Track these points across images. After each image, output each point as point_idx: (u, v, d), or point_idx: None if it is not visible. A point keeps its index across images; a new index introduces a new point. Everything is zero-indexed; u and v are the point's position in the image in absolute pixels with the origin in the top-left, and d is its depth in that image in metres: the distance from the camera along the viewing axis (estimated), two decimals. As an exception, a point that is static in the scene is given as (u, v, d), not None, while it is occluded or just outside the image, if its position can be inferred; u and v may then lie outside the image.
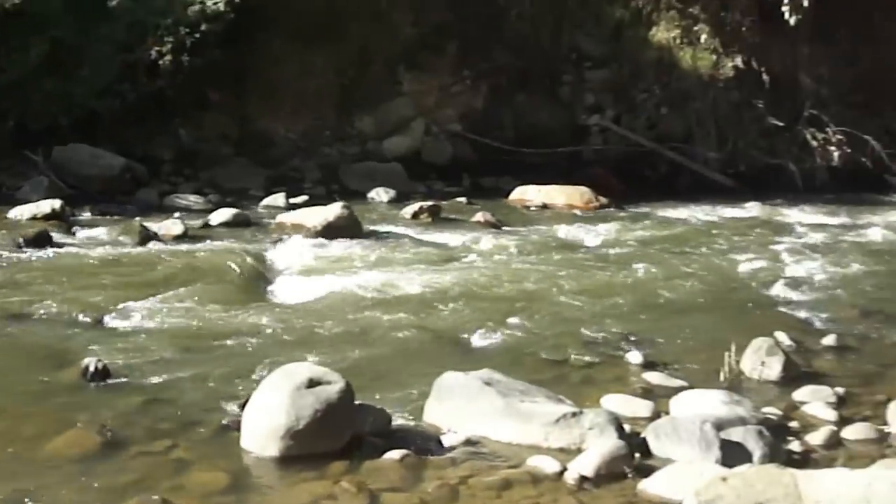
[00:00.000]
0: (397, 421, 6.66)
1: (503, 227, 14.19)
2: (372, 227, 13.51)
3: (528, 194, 16.42)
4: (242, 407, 6.48)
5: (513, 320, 9.37)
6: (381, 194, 16.04)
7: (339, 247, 12.33)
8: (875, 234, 14.86)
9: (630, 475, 5.93)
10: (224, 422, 6.60)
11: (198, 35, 16.78)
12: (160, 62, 16.63)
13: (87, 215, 13.53)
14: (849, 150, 19.04)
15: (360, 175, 17.04)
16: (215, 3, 17.02)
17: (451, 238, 13.25)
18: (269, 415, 6.16)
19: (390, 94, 18.54)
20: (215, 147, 17.48)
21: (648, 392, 7.58)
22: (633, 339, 8.97)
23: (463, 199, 16.02)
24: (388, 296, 10.16)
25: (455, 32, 18.64)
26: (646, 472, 5.94)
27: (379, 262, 11.62)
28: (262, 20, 17.77)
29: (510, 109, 18.93)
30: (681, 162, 18.86)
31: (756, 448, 6.25)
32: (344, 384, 6.34)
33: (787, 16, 18.76)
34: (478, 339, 8.84)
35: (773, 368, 8.06)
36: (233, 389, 7.21)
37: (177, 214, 13.67)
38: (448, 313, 9.59)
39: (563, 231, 14.07)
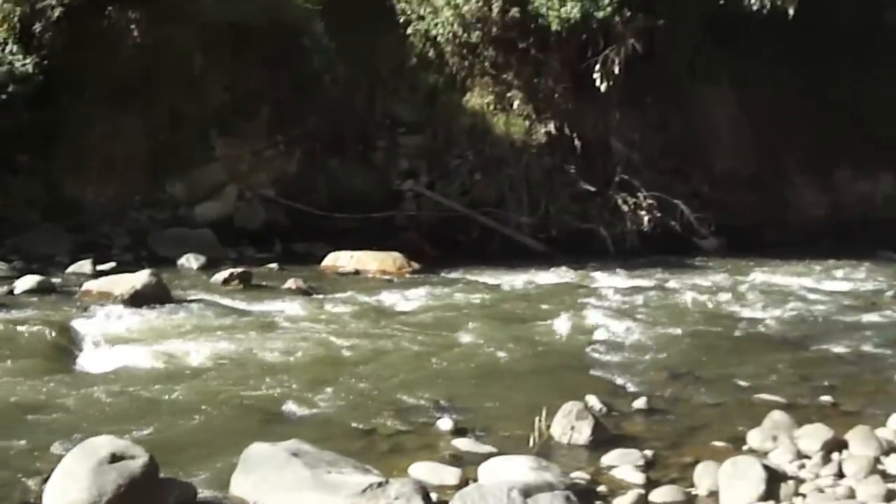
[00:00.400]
0: (203, 494, 6.69)
1: (315, 294, 14.34)
2: (181, 295, 13.54)
3: (341, 260, 16.69)
4: (44, 483, 6.45)
5: (324, 389, 9.50)
6: (191, 261, 16.06)
7: (148, 315, 12.30)
8: (684, 297, 15.58)
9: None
10: (25, 499, 6.55)
11: (5, 97, 16.59)
12: (-35, 124, 16.39)
13: None
14: (659, 215, 20.09)
15: (170, 241, 17.02)
16: (23, 65, 16.87)
17: (262, 305, 13.34)
18: (70, 491, 6.15)
19: (202, 158, 18.61)
20: (22, 213, 17.21)
21: (457, 459, 7.75)
22: (444, 405, 9.20)
23: (275, 266, 16.18)
24: (196, 365, 10.20)
25: (268, 97, 18.89)
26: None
27: (188, 331, 11.63)
28: (71, 82, 17.68)
29: (324, 174, 19.25)
30: (493, 227, 19.48)
31: (562, 513, 6.52)
32: (147, 458, 6.38)
33: (598, 82, 19.79)
34: (288, 409, 8.93)
35: (583, 432, 8.33)
36: (34, 465, 7.15)
37: (-22, 283, 13.44)
38: (258, 383, 9.66)
39: (376, 298, 14.30)
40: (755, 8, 21.64)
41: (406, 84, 20.21)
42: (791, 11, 21.46)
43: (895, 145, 24.02)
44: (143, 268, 14.01)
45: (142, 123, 18.27)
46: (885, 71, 24.38)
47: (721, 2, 22.28)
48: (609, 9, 19.58)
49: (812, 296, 16.18)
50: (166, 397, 9.13)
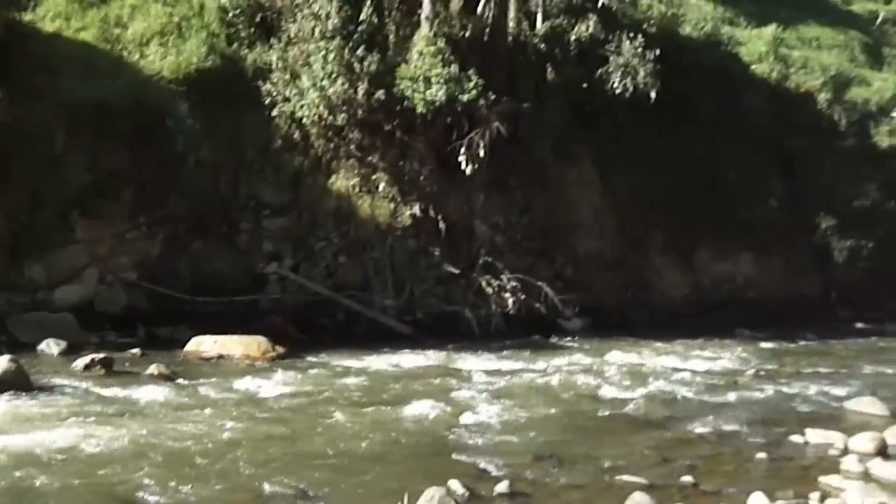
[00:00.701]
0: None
1: (178, 380, 14.53)
2: (42, 381, 13.64)
3: (205, 345, 16.91)
4: None
5: (184, 477, 9.74)
6: (51, 346, 16.12)
7: (7, 403, 12.42)
8: (549, 378, 16.23)
9: None
10: None
11: None
12: None
13: None
14: (523, 297, 20.85)
15: (30, 326, 16.99)
16: None
17: (124, 392, 13.50)
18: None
19: (62, 240, 18.51)
20: None
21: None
22: (307, 492, 9.54)
23: (137, 351, 16.32)
24: (55, 454, 10.33)
25: (131, 178, 18.99)
26: None
27: (48, 419, 11.75)
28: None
29: (187, 257, 19.37)
30: (359, 310, 19.91)
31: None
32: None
33: (463, 165, 20.51)
34: (146, 499, 9.16)
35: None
36: None
37: None
38: (116, 471, 9.87)
39: (240, 383, 14.55)
40: (618, 91, 22.91)
41: (271, 166, 20.48)
42: (653, 95, 22.80)
43: (754, 225, 25.55)
44: (2, 353, 13.98)
45: (0, 203, 18.18)
46: (743, 153, 25.99)
47: (585, 85, 23.56)
48: (474, 92, 20.36)
49: (674, 375, 17.03)
50: (20, 487, 9.27)
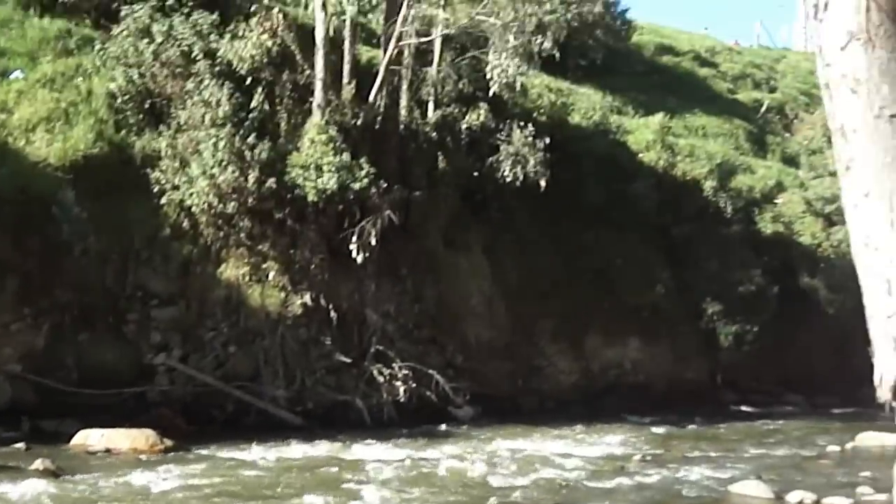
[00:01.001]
0: None
1: (64, 475, 14.63)
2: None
3: (92, 439, 16.99)
4: None
5: None
6: (-69, 441, 16.19)
7: None
8: (440, 466, 16.69)
9: None
10: None
11: None
12: None
13: None
14: (414, 385, 21.36)
15: None
16: None
17: (5, 487, 13.55)
18: None
19: (-60, 331, 18.42)
20: None
21: None
22: None
23: (21, 445, 16.37)
24: None
25: (16, 268, 19.07)
26: None
27: None
28: None
29: (74, 348, 19.47)
30: (249, 401, 20.18)
31: None
32: None
33: (354, 253, 21.02)
34: None
35: None
36: None
37: None
38: None
39: (126, 478, 14.69)
40: (509, 179, 23.83)
41: (159, 255, 20.72)
42: (543, 183, 23.76)
43: (642, 311, 26.53)
44: None
45: None
46: (631, 240, 27.05)
47: (476, 173, 24.44)
48: (366, 180, 21.04)
49: (563, 462, 17.64)
50: None
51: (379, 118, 22.92)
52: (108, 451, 16.79)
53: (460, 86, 25.16)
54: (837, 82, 3.14)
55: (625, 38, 36.38)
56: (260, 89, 21.78)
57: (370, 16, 25.66)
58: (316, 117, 22.09)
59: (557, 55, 25.39)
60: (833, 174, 32.18)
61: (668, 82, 36.75)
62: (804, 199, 31.60)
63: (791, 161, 35.01)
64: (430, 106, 24.94)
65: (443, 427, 20.95)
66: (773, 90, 40.30)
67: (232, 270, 21.18)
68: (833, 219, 30.61)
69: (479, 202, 24.86)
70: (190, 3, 22.63)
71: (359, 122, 22.51)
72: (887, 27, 3.12)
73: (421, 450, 18.40)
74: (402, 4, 22.14)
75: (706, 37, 44.66)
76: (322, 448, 18.16)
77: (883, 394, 2.90)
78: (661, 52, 39.50)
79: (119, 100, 21.72)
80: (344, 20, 22.24)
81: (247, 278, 21.21)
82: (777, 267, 29.02)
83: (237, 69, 21.77)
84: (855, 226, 3.08)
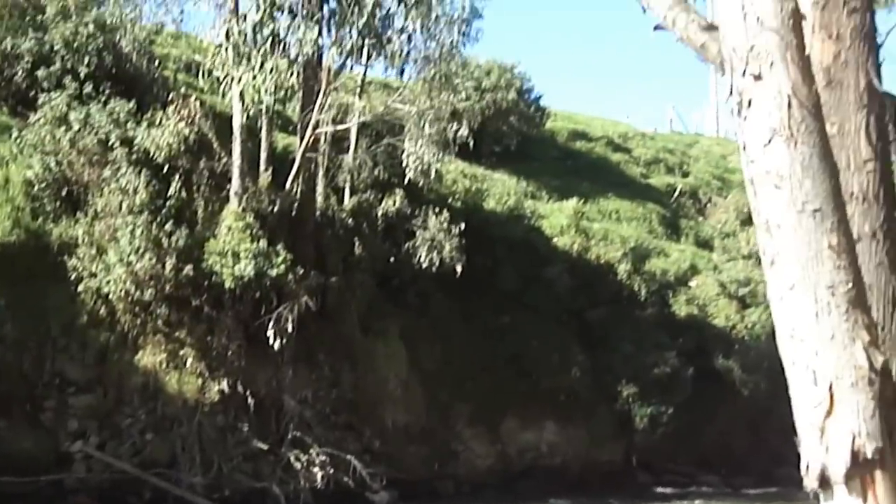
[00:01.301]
0: None
1: None
2: None
3: (9, 527, 17.44)
4: None
5: None
6: None
7: None
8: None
9: None
10: None
11: None
12: None
13: None
14: (332, 470, 21.87)
15: None
16: None
17: None
18: None
19: None
20: None
21: None
22: None
23: (-64, 535, 16.82)
24: None
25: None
26: None
27: None
28: None
29: (-11, 438, 19.63)
30: (166, 488, 20.52)
31: None
32: None
33: (272, 340, 21.64)
34: None
35: None
36: None
37: None
38: None
39: None
40: (425, 265, 24.72)
41: (77, 342, 21.13)
42: (459, 268, 24.69)
43: (558, 394, 27.33)
44: None
45: None
46: (547, 324, 27.96)
47: (392, 259, 25.29)
48: (282, 267, 21.76)
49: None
50: None
51: (295, 205, 23.64)
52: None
53: (376, 172, 26.07)
54: (761, 178, 3.28)
55: (539, 125, 37.55)
56: (177, 177, 22.45)
57: (287, 104, 26.46)
58: (233, 204, 22.78)
59: (472, 142, 26.50)
60: (746, 257, 33.66)
61: (582, 167, 38.05)
62: (718, 281, 32.72)
63: (705, 244, 36.28)
64: (347, 192, 25.82)
65: (361, 512, 21.48)
66: (686, 174, 41.66)
67: (149, 357, 21.62)
68: (747, 301, 31.85)
69: (396, 287, 25.63)
70: (107, 92, 23.41)
71: (275, 209, 23.21)
72: (808, 123, 3.28)
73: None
74: (318, 93, 22.93)
75: (619, 122, 45.97)
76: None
77: (809, 482, 3.05)
78: (575, 137, 40.80)
79: (36, 187, 22.28)
80: (261, 109, 23.02)
81: (164, 365, 21.66)
82: (692, 349, 29.93)
83: (154, 157, 22.44)
84: (780, 318, 3.20)
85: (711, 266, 33.96)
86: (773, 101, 3.31)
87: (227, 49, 21.56)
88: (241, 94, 22.68)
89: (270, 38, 21.37)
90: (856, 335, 3.12)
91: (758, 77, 3.40)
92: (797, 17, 3.54)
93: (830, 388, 3.05)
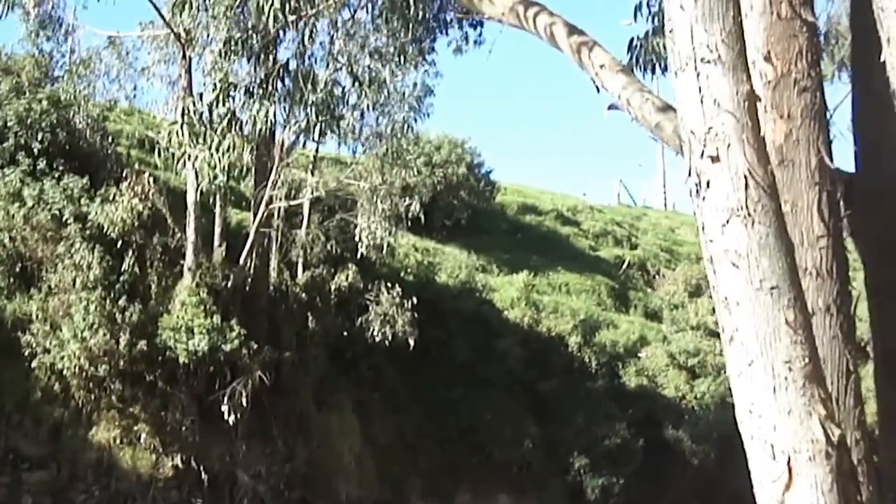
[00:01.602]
0: None
1: None
2: None
3: None
4: None
5: None
6: None
7: None
8: None
9: None
10: None
11: None
12: None
13: None
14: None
15: None
16: None
17: None
18: None
19: None
20: None
21: None
22: None
23: None
24: None
25: None
26: None
27: None
28: None
29: (-60, 515, 19.59)
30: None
31: None
32: None
33: (226, 415, 21.73)
34: None
35: None
36: None
37: None
38: None
39: None
40: (378, 339, 25.11)
41: (30, 418, 21.07)
42: (411, 342, 25.10)
43: (511, 466, 27.69)
44: None
45: None
46: (499, 396, 28.38)
47: (345, 333, 25.67)
48: (236, 342, 21.88)
49: None
50: None
51: (249, 280, 23.79)
52: None
53: (329, 247, 26.39)
54: (720, 257, 3.34)
55: (489, 199, 38.20)
56: (131, 252, 22.55)
57: (242, 181, 26.87)
58: (187, 280, 22.95)
59: (423, 216, 27.03)
60: (694, 328, 34.34)
61: (532, 240, 38.63)
62: (667, 352, 33.29)
63: (653, 316, 36.87)
64: (300, 267, 26.13)
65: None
66: (634, 247, 42.42)
67: (103, 433, 21.56)
68: (696, 371, 32.46)
69: (349, 361, 25.93)
70: (61, 168, 23.65)
71: (229, 284, 23.33)
72: (765, 203, 3.32)
73: None
74: (271, 169, 23.34)
75: (568, 196, 46.76)
76: None
77: None
78: (525, 211, 41.47)
79: (-11, 264, 22.27)
80: (215, 185, 23.37)
81: (118, 441, 21.59)
82: (642, 419, 30.28)
83: (108, 233, 22.53)
84: (739, 393, 3.24)
85: (660, 337, 34.53)
86: (730, 182, 3.38)
87: (182, 127, 21.94)
88: (196, 172, 22.99)
89: (227, 117, 21.79)
90: (812, 409, 3.19)
91: (715, 159, 3.46)
92: (752, 98, 3.66)
93: (789, 462, 3.11)
